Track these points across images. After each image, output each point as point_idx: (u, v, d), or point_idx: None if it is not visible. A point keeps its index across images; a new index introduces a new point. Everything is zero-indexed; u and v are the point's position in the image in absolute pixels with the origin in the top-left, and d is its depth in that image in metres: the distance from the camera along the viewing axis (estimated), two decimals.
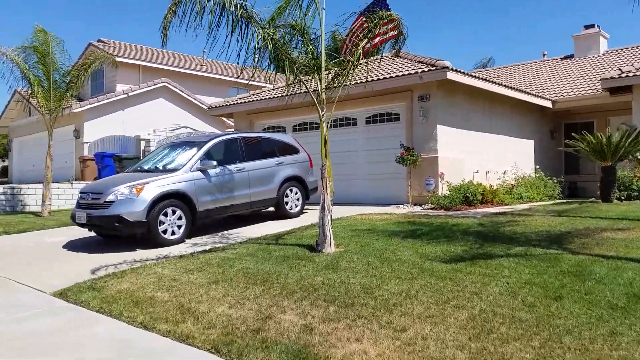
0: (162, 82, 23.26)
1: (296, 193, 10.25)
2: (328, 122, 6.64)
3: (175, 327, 4.42)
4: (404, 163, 11.18)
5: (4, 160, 61.85)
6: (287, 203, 10.03)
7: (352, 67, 6.62)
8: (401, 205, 11.37)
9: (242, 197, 9.17)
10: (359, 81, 7.53)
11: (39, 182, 22.35)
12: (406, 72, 11.20)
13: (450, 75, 10.84)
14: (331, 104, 6.74)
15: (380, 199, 11.92)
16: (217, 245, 7.64)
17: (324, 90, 6.64)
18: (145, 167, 9.15)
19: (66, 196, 14.65)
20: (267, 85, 21.45)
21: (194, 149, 8.94)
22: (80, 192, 8.40)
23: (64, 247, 8.39)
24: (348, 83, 6.75)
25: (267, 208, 9.95)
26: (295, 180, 10.22)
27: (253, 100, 14.06)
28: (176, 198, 8.16)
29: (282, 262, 6.18)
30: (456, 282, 5.02)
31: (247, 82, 24.98)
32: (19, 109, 28.45)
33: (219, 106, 15.09)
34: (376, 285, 5.08)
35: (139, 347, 4.20)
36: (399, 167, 11.56)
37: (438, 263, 5.72)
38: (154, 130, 18.18)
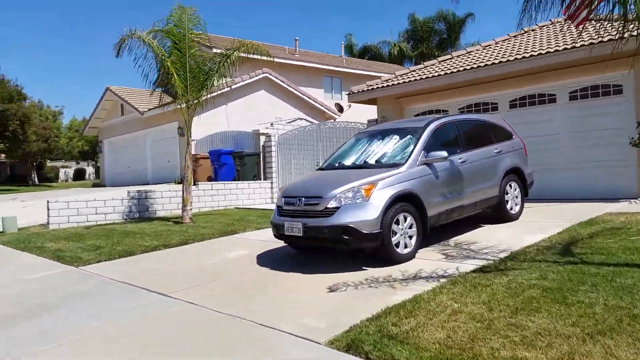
0: (263, 73, 21.68)
1: (515, 189, 8.12)
2: None
3: None
4: None
5: (78, 163, 63.25)
6: (507, 202, 7.94)
7: None
8: (634, 200, 8.99)
9: (469, 197, 7.15)
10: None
11: (136, 184, 21.51)
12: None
13: None
14: None
15: (595, 193, 9.58)
16: (482, 264, 5.64)
17: None
18: (346, 163, 7.24)
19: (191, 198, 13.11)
20: (381, 74, 19.37)
21: (408, 138, 6.98)
22: (285, 197, 6.49)
23: (260, 264, 6.68)
24: None
25: (488, 209, 7.84)
26: (514, 173, 8.09)
27: (413, 80, 11.90)
28: (406, 201, 6.23)
29: None
30: None
31: (345, 70, 22.67)
32: (109, 108, 27.91)
33: (361, 91, 13.12)
34: None
35: None
36: (624, 152, 9.17)
37: None
38: (271, 124, 16.54)
